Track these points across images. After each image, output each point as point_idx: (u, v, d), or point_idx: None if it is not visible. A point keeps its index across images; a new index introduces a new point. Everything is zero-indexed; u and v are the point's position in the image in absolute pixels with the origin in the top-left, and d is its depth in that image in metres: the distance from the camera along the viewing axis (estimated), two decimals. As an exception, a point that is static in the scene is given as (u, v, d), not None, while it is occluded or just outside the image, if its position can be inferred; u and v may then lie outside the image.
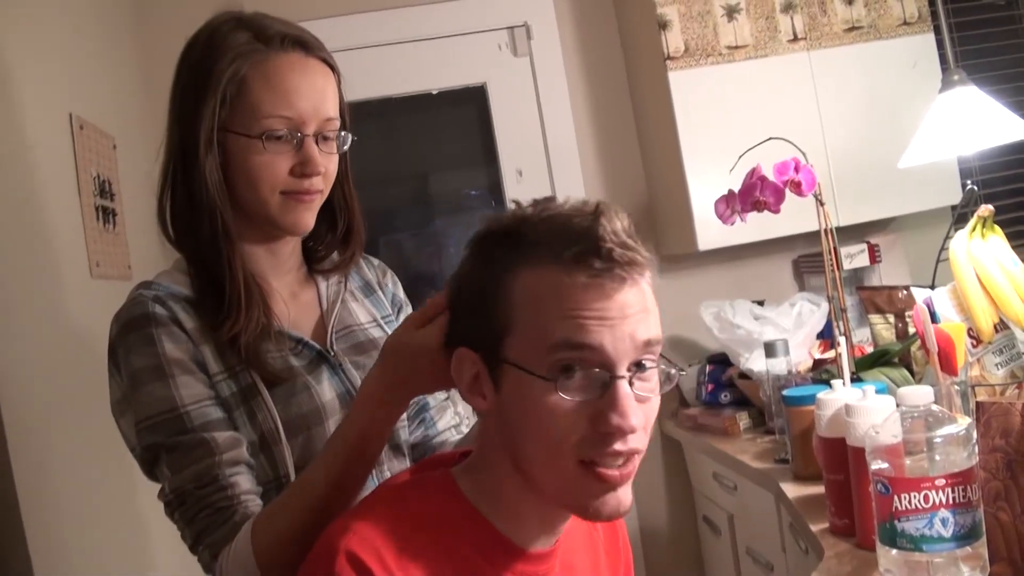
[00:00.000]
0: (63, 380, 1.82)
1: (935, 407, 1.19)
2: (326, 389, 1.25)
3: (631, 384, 0.93)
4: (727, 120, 2.76)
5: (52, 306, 1.88)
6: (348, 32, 3.04)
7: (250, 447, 1.18)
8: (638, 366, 0.95)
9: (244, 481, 1.14)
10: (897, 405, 1.22)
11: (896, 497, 1.17)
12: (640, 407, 0.94)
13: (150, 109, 2.63)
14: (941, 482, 1.15)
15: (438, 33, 3.15)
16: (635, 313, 0.94)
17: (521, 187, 3.16)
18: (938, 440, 1.17)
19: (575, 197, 0.99)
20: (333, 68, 1.26)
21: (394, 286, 1.48)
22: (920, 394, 1.19)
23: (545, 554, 1.03)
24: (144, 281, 1.24)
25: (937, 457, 1.16)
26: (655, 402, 0.98)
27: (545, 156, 3.19)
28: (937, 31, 2.76)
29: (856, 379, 1.89)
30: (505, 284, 0.96)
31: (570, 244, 0.93)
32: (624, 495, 0.96)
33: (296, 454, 1.20)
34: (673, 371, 0.99)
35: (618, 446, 0.92)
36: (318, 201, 1.25)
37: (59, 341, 1.85)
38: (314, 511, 1.07)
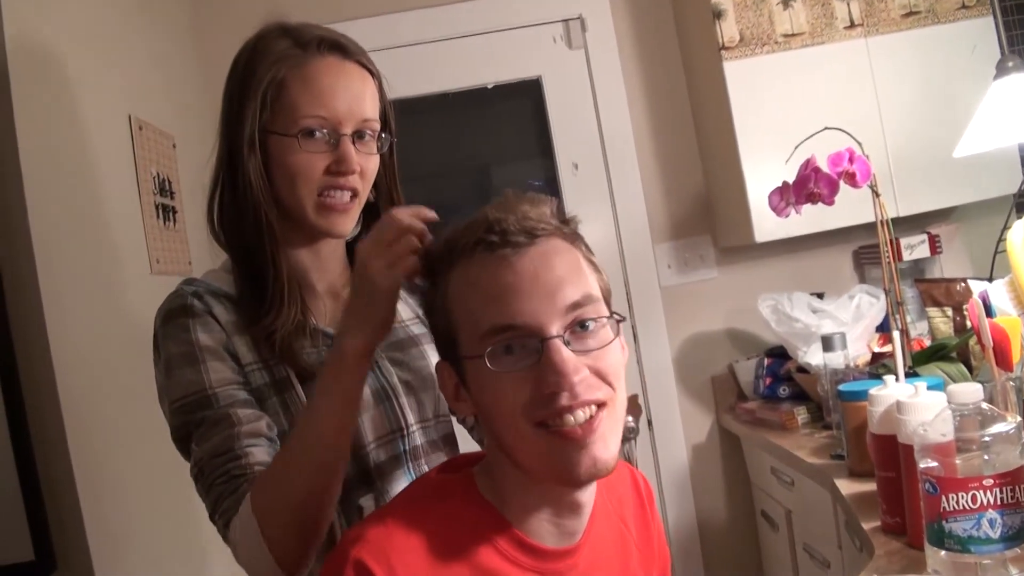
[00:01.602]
0: (123, 374, 1.87)
1: (985, 405, 1.16)
2: None
3: (567, 343, 0.96)
4: (784, 110, 2.71)
5: (113, 302, 1.93)
6: (404, 29, 3.06)
7: (283, 436, 1.20)
8: (581, 326, 0.98)
9: (260, 453, 1.16)
10: (948, 402, 1.19)
11: (944, 497, 1.15)
12: (584, 359, 0.96)
13: (209, 108, 2.66)
14: (989, 482, 1.12)
15: (493, 27, 3.15)
16: (552, 279, 0.97)
17: (577, 180, 3.15)
18: (987, 438, 1.14)
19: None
20: (372, 72, 1.28)
21: None
22: (969, 391, 1.16)
23: (564, 552, 1.04)
24: (188, 278, 1.29)
25: (987, 456, 1.14)
26: (606, 353, 0.99)
27: (601, 149, 3.17)
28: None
29: (912, 374, 1.86)
30: (445, 293, 1.02)
31: (472, 234, 0.99)
32: (599, 452, 0.96)
33: None
34: (617, 323, 1.01)
35: (564, 401, 0.94)
36: (355, 209, 1.27)
37: (120, 336, 1.90)
38: (307, 469, 1.09)
